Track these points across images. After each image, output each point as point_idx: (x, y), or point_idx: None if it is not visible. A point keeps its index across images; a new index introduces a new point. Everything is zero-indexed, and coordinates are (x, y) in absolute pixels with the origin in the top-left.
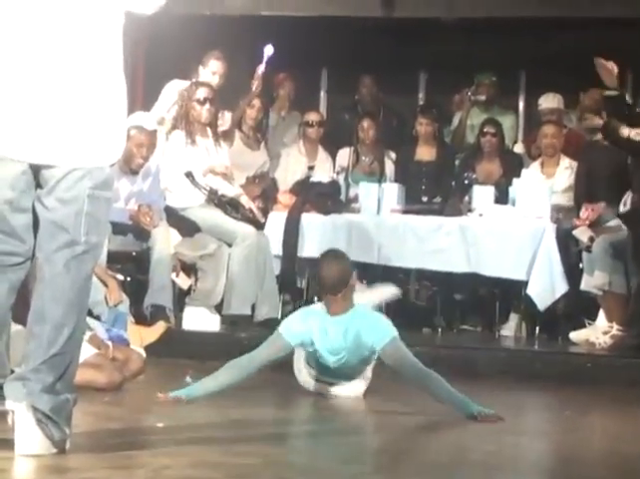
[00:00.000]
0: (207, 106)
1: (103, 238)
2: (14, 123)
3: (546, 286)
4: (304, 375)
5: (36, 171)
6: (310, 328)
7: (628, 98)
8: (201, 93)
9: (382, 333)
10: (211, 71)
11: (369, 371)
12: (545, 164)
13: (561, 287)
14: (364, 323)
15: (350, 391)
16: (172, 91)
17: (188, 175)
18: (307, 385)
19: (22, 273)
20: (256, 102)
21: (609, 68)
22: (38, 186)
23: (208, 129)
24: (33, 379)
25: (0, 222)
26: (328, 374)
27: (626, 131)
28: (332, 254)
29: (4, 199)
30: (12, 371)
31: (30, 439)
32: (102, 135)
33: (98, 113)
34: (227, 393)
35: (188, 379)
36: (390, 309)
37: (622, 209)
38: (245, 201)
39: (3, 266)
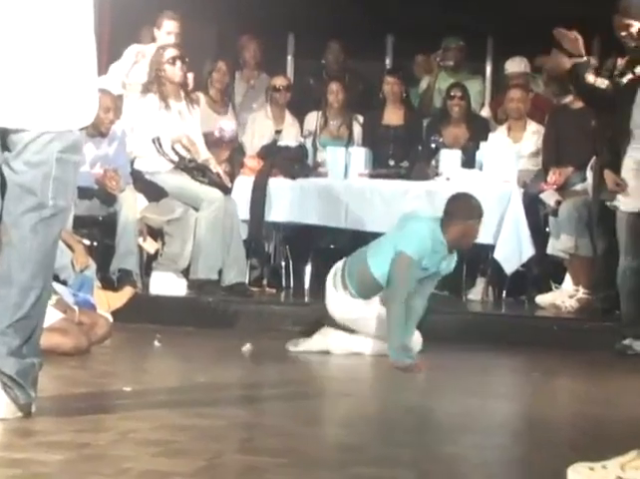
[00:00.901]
0: (179, 64)
1: (71, 201)
2: None
3: (513, 250)
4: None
5: (4, 134)
6: None
7: (594, 61)
8: (170, 53)
9: (405, 243)
10: (166, 31)
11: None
12: (512, 128)
13: (528, 251)
14: (406, 229)
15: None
16: (131, 55)
17: (155, 141)
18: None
19: None
20: (222, 65)
21: (572, 37)
22: (5, 149)
23: (181, 91)
24: None
25: None
26: None
27: (592, 77)
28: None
29: None
30: None
31: None
32: (71, 98)
33: (67, 76)
34: (193, 358)
35: (157, 343)
36: None
37: (589, 173)
38: (213, 165)
39: None
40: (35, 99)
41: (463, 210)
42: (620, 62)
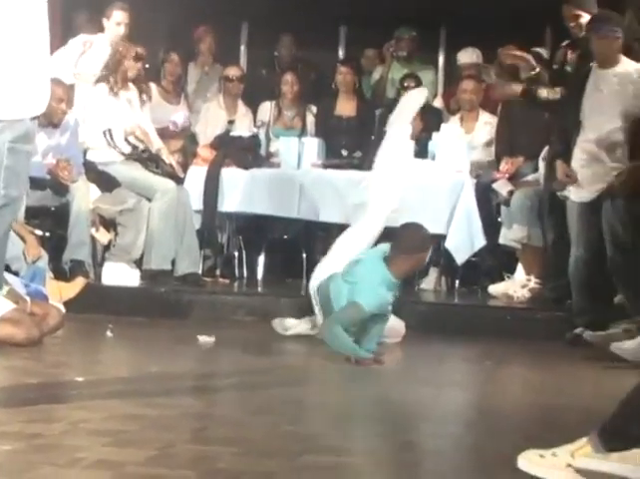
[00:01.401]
0: (140, 64)
1: (23, 191)
2: None
3: (464, 240)
4: None
5: None
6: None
7: (543, 52)
8: (135, 50)
9: (364, 298)
10: (115, 22)
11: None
12: (465, 119)
13: (479, 242)
14: (362, 282)
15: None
16: (78, 44)
17: (105, 133)
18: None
19: None
20: (174, 56)
21: (520, 55)
22: None
23: (131, 83)
24: None
25: None
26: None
27: (544, 92)
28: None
29: None
30: None
31: None
32: (22, 87)
33: (18, 64)
34: (146, 349)
35: (109, 334)
36: (312, 264)
37: (541, 163)
38: (165, 155)
39: None
40: None
41: (415, 243)
42: (571, 55)
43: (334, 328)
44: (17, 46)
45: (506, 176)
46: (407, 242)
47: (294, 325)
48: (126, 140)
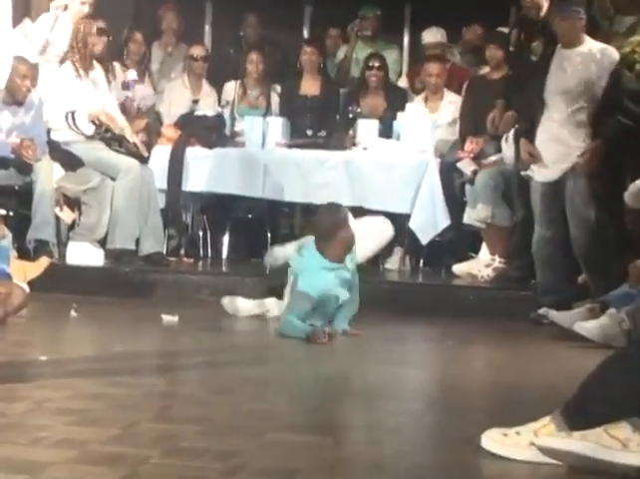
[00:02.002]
0: (105, 39)
1: None
2: None
3: (429, 220)
4: None
5: None
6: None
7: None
8: (99, 24)
9: (309, 285)
10: (80, 1)
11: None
12: (429, 98)
13: (443, 222)
14: (302, 269)
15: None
16: (51, 13)
17: (67, 116)
18: None
19: None
20: (138, 36)
21: None
22: None
23: (95, 61)
24: None
25: None
26: None
27: None
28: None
29: None
30: None
31: None
32: None
33: None
34: (110, 328)
35: (73, 313)
36: (276, 243)
37: (504, 143)
38: (129, 134)
39: None
40: None
41: (326, 227)
42: (537, 43)
43: (286, 318)
44: None
45: (471, 155)
46: (320, 228)
47: (246, 309)
48: (91, 122)
